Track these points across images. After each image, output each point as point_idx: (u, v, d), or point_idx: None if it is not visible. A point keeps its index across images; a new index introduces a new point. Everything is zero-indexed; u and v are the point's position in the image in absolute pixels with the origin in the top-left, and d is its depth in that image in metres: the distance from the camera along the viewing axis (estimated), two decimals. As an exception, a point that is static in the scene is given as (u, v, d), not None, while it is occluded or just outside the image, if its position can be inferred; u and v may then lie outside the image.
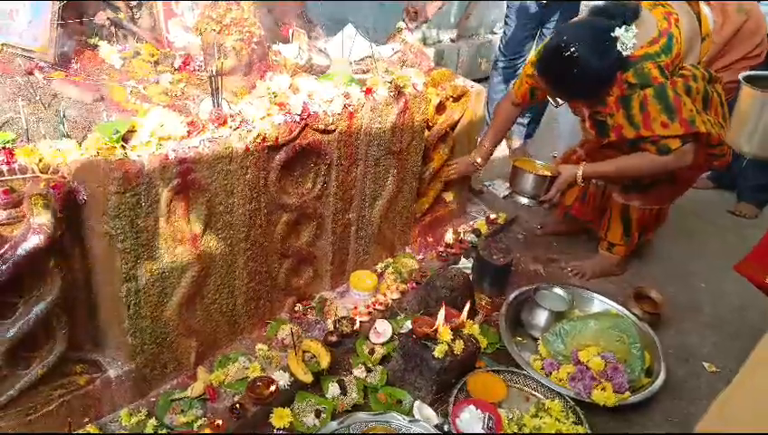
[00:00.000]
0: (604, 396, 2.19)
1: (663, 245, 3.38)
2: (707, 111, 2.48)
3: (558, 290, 2.66)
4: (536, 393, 2.26)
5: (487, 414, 2.05)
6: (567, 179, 2.69)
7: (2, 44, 1.89)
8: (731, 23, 2.57)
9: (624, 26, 2.29)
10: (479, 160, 3.03)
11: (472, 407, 2.07)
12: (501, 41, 4.17)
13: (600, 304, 2.72)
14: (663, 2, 2.48)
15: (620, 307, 2.68)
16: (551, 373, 2.33)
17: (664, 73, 2.37)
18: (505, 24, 4.06)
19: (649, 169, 2.57)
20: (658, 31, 2.38)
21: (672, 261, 3.29)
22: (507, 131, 3.24)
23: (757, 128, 1.73)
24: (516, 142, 4.31)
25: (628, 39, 2.29)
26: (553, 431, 2.07)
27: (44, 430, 1.81)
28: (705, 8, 2.54)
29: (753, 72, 1.83)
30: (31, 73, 1.91)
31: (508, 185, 3.24)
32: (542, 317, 2.54)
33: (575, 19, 2.60)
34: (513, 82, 4.00)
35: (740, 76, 1.79)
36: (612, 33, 2.30)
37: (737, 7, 2.56)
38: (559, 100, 2.59)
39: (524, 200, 2.82)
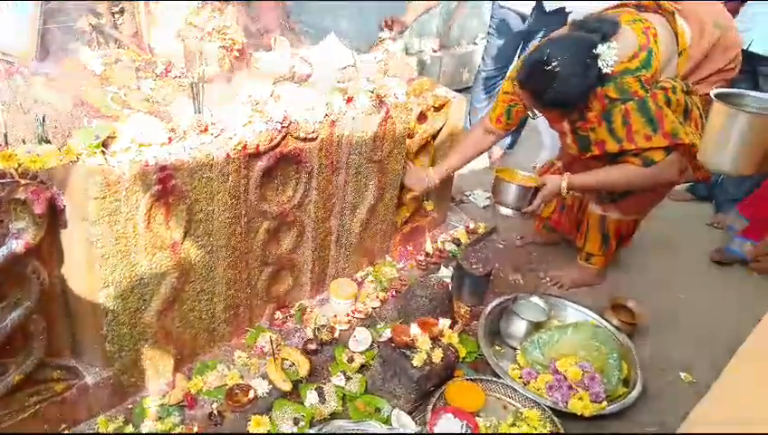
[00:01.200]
0: (581, 405, 2.21)
1: (641, 256, 3.42)
2: (687, 122, 2.50)
3: (536, 300, 2.68)
4: (514, 402, 2.28)
5: (465, 423, 2.06)
6: (552, 191, 2.67)
7: (-19, 48, 1.88)
8: (707, 37, 2.60)
9: (606, 43, 2.30)
10: (434, 176, 2.89)
11: (450, 415, 2.08)
12: (484, 51, 4.19)
13: (577, 314, 2.74)
14: (641, 15, 2.51)
15: (598, 317, 2.70)
16: (528, 383, 2.35)
17: (644, 87, 2.39)
18: (489, 34, 4.08)
19: (636, 182, 2.57)
20: (638, 46, 2.40)
21: (650, 272, 3.33)
22: (472, 159, 3.06)
23: (727, 145, 1.74)
24: (497, 152, 4.33)
25: (609, 56, 2.30)
26: (530, 440, 2.09)
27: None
28: (682, 23, 2.57)
29: (723, 90, 1.85)
30: (11, 77, 1.89)
31: (490, 195, 3.21)
32: (520, 327, 2.55)
33: (558, 33, 2.61)
34: (493, 93, 4.03)
35: (711, 93, 1.80)
36: (594, 50, 2.30)
37: (713, 22, 2.60)
38: (537, 111, 2.60)
39: (507, 211, 2.76)
